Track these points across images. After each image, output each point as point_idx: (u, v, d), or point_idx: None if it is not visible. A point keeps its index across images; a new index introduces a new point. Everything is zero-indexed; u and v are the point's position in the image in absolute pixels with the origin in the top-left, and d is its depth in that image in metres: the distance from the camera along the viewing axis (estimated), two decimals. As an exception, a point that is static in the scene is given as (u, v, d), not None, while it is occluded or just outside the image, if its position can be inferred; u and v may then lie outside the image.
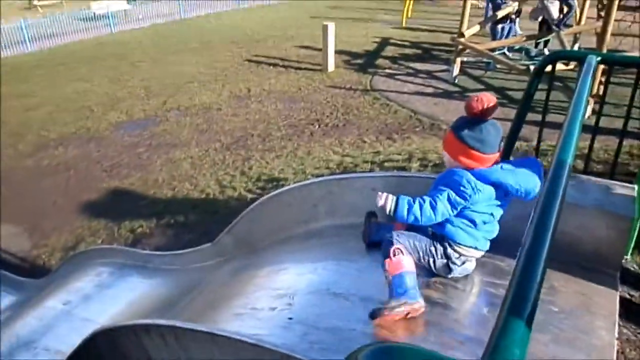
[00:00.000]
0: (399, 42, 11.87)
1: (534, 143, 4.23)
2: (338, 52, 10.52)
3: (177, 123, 8.43)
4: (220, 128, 7.95)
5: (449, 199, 1.87)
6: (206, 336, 1.81)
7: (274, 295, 2.38)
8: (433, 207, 1.88)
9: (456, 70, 8.58)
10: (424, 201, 1.89)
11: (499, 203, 1.95)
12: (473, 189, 1.84)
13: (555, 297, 2.01)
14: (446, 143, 1.96)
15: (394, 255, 1.93)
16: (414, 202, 1.90)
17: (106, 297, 3.63)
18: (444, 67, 9.37)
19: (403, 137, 6.60)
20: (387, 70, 9.76)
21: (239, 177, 6.12)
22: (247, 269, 2.99)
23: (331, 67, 10.07)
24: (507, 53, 8.77)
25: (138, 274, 3.77)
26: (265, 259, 2.99)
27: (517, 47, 8.89)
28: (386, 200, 1.92)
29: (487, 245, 2.04)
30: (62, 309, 3.67)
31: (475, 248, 2.01)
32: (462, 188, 1.85)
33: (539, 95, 3.26)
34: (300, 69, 10.54)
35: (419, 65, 9.80)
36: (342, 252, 2.56)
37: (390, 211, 1.92)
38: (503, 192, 1.92)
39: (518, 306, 0.93)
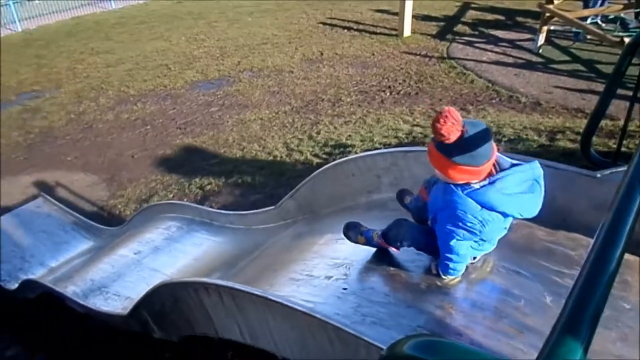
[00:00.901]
0: (481, 7, 11.27)
1: (621, 122, 3.93)
2: (415, 16, 10.16)
3: (250, 84, 8.54)
4: (291, 91, 7.98)
5: (460, 238, 1.84)
6: (261, 300, 1.86)
7: (331, 264, 2.39)
8: (460, 255, 1.91)
9: (541, 39, 8.05)
10: (451, 252, 1.90)
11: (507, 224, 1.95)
12: (481, 222, 1.77)
13: (627, 292, 1.89)
14: (432, 157, 1.80)
15: None
16: (445, 263, 1.96)
17: (174, 250, 3.80)
18: (528, 35, 8.81)
19: (478, 108, 6.34)
20: (466, 37, 9.32)
21: (307, 141, 6.14)
22: (307, 235, 3.03)
23: (407, 32, 9.75)
24: (600, 23, 8.09)
25: (204, 231, 3.91)
26: (326, 227, 3.00)
27: (612, 16, 8.18)
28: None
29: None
30: (132, 258, 3.89)
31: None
32: (469, 225, 1.78)
33: (632, 71, 3.00)
34: (374, 33, 10.29)
35: (500, 33, 9.28)
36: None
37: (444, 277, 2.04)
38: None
39: (585, 300, 0.86)
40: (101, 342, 3.62)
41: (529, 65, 7.60)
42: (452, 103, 6.63)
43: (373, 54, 9.04)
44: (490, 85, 7.06)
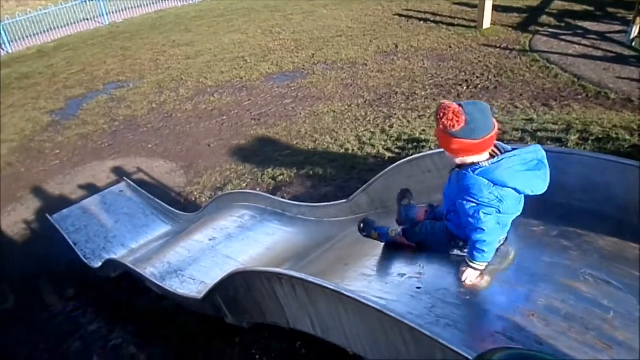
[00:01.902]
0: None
1: None
2: (496, 7, 9.75)
3: (323, 76, 8.56)
4: (364, 84, 7.92)
5: (487, 213, 1.87)
6: (334, 294, 1.85)
7: (404, 261, 2.35)
8: (489, 231, 1.90)
9: (635, 31, 7.48)
10: (481, 230, 1.90)
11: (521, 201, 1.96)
12: (497, 198, 1.84)
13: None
14: (439, 140, 1.93)
15: None
16: (476, 247, 1.94)
17: (247, 239, 3.88)
18: (620, 27, 8.22)
19: (562, 104, 6.00)
20: (551, 29, 8.83)
21: (379, 134, 6.08)
22: (380, 231, 2.99)
23: (487, 23, 9.38)
24: None
25: (277, 221, 3.97)
26: (399, 223, 2.95)
27: None
28: (470, 273, 2.00)
29: None
30: (207, 244, 4.01)
31: None
32: (486, 201, 1.85)
33: None
34: (452, 25, 9.98)
35: (589, 25, 8.72)
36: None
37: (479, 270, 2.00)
38: None
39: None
40: (175, 322, 3.77)
41: (620, 59, 7.09)
42: (534, 98, 6.32)
43: (450, 47, 8.78)
44: (576, 80, 6.66)
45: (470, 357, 1.45)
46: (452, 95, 6.88)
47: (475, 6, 10.05)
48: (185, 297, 3.27)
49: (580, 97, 6.18)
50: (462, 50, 8.52)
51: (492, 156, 1.87)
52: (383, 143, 5.80)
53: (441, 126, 1.82)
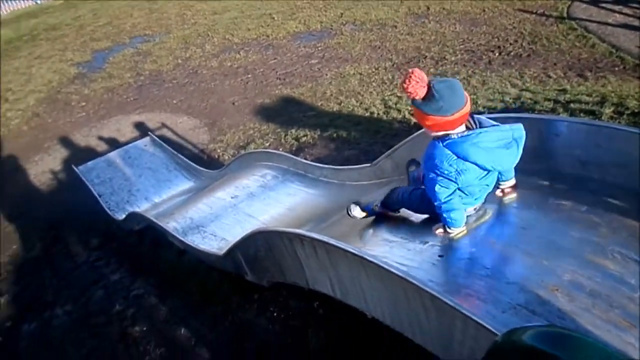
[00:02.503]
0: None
1: None
2: (535, -30, 9.35)
3: (351, 37, 8.38)
4: (393, 46, 7.74)
5: (444, 185, 1.98)
6: (356, 258, 1.84)
7: (427, 229, 2.32)
8: (447, 202, 2.02)
9: (682, 0, 7.12)
10: (439, 200, 2.02)
11: (490, 174, 2.04)
12: (457, 170, 1.92)
13: None
14: (414, 114, 2.03)
15: None
16: (442, 214, 2.06)
17: (268, 198, 3.89)
18: (667, -4, 7.83)
19: (597, 76, 5.78)
20: (591, -4, 8.46)
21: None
22: (403, 197, 2.95)
23: (524, -13, 9.03)
24: None
25: (299, 182, 3.95)
26: (423, 190, 2.91)
27: None
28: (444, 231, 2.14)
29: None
30: (229, 202, 4.03)
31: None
32: (446, 172, 1.94)
33: None
34: (487, -13, 9.63)
35: (633, -8, 8.32)
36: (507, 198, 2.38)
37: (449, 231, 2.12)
38: None
39: None
40: (195, 277, 3.83)
41: (663, 31, 6.77)
42: (568, 68, 6.10)
43: (484, 11, 8.49)
44: (614, 50, 6.39)
45: (491, 328, 1.43)
46: (483, 61, 6.68)
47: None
48: (206, 253, 3.31)
49: (617, 69, 5.94)
50: (496, 15, 8.22)
51: (468, 129, 1.97)
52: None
53: (406, 94, 1.92)
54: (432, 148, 1.98)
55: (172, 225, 3.86)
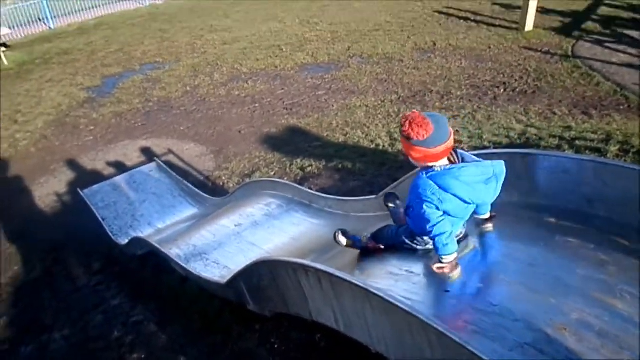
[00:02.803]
0: (616, 4, 10.32)
1: None
2: (539, 10, 9.51)
3: (358, 70, 8.49)
4: (399, 80, 7.83)
5: (434, 214, 2.08)
6: (361, 291, 1.82)
7: (433, 263, 2.30)
8: (439, 224, 2.08)
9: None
10: (430, 227, 2.10)
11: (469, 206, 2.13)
12: (439, 199, 2.05)
13: None
14: (403, 148, 2.15)
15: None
16: (435, 242, 2.12)
17: (272, 227, 3.88)
18: (670, 37, 7.94)
19: (602, 114, 5.82)
20: (595, 36, 8.57)
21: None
22: (408, 230, 2.94)
23: (529, 26, 9.16)
24: None
25: (303, 212, 3.95)
26: (428, 223, 2.90)
27: None
28: (439, 265, 2.15)
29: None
30: (233, 230, 4.02)
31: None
32: (429, 200, 2.06)
33: None
34: (493, 25, 9.79)
35: (637, 34, 8.43)
36: (514, 234, 2.37)
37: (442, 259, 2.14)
38: None
39: None
40: (197, 305, 3.80)
41: (667, 71, 6.84)
42: (573, 106, 6.15)
43: (489, 47, 8.61)
44: (618, 89, 6.45)
45: (498, 367, 1.41)
46: (489, 97, 6.75)
47: (518, 7, 9.83)
48: (208, 281, 3.28)
49: (622, 107, 5.98)
50: (502, 52, 8.34)
51: (451, 162, 2.10)
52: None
53: (406, 135, 2.03)
54: (417, 179, 2.13)
55: (175, 252, 3.84)
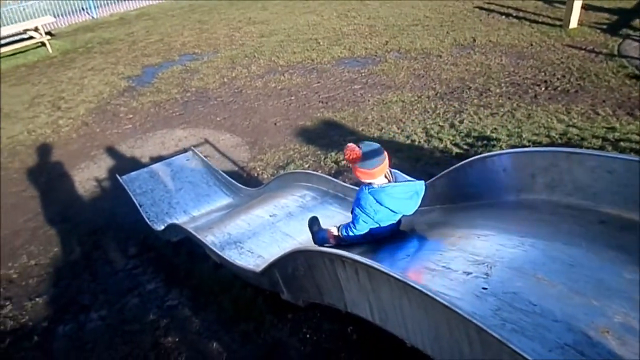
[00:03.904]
0: (666, 2, 9.93)
1: None
2: (585, 6, 9.24)
3: (395, 65, 8.42)
4: (437, 75, 7.73)
5: (364, 220, 2.70)
6: (399, 284, 1.81)
7: (470, 260, 2.28)
8: (358, 229, 2.76)
9: None
10: (353, 227, 2.77)
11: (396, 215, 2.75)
12: (374, 210, 2.64)
13: None
14: (352, 167, 2.71)
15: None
16: (346, 230, 2.82)
17: (307, 219, 3.89)
18: None
19: (647, 115, 5.63)
20: (644, 35, 8.29)
21: (448, 128, 5.93)
22: (443, 226, 2.92)
23: (573, 23, 8.91)
24: None
25: (337, 204, 3.95)
26: (465, 220, 2.87)
27: None
28: (336, 232, 2.92)
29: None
30: (267, 220, 4.05)
31: None
32: (366, 210, 2.65)
33: None
34: (536, 22, 9.55)
35: (688, 33, 8.12)
36: (555, 233, 2.32)
37: (338, 237, 2.92)
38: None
39: None
40: (230, 292, 3.85)
41: None
42: (617, 106, 5.96)
43: (531, 44, 8.41)
44: (667, 91, 6.23)
45: (539, 366, 1.39)
46: (529, 95, 6.60)
47: (562, 3, 9.57)
48: (243, 269, 3.32)
49: (670, 109, 5.77)
50: (544, 49, 8.14)
51: (388, 180, 2.67)
52: (451, 138, 5.66)
53: (346, 159, 2.64)
54: (360, 192, 2.68)
55: (210, 239, 3.90)
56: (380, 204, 2.61)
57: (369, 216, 2.66)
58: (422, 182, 2.72)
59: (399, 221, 2.88)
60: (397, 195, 2.62)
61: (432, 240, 2.75)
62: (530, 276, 2.05)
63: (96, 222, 5.47)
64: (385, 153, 2.64)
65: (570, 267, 2.07)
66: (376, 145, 2.65)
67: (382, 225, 2.76)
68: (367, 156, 2.58)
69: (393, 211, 2.66)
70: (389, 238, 2.85)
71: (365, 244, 2.90)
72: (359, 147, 2.62)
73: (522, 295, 1.96)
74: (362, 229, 2.74)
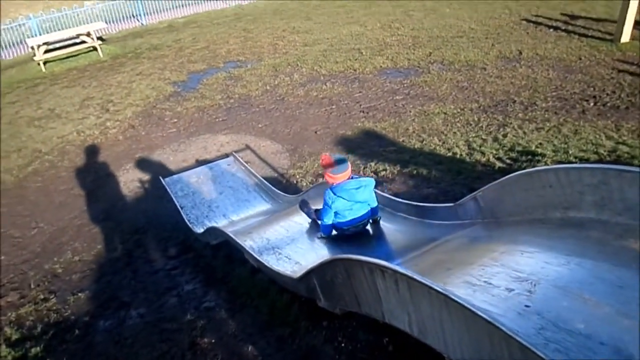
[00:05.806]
0: None
1: None
2: (638, 21, 8.94)
3: (438, 76, 8.36)
4: (480, 88, 7.63)
5: (327, 208, 3.48)
6: (440, 297, 1.79)
7: (513, 276, 2.23)
8: (327, 217, 3.54)
9: None
10: (322, 213, 3.59)
11: (354, 204, 3.45)
12: (332, 201, 3.41)
13: None
14: (323, 173, 3.63)
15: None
16: (320, 215, 3.68)
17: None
18: None
19: None
20: (701, 51, 7.97)
21: (491, 142, 5.83)
22: (486, 240, 2.87)
23: (625, 37, 8.64)
24: None
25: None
26: (509, 236, 2.81)
27: None
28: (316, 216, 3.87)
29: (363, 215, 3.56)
30: (305, 227, 4.05)
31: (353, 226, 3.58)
32: (329, 202, 3.44)
33: None
34: (585, 35, 9.32)
35: None
36: (603, 253, 2.24)
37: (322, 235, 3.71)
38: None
39: None
40: (267, 296, 3.88)
41: None
42: (671, 125, 5.74)
43: (580, 59, 8.21)
44: None
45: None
46: (577, 110, 6.43)
47: (613, 22, 9.30)
48: (281, 274, 3.35)
49: None
50: (594, 64, 7.92)
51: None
52: (494, 152, 5.56)
53: (321, 164, 3.59)
54: (326, 190, 3.47)
55: (248, 244, 3.95)
56: (335, 194, 3.39)
57: (329, 206, 3.43)
58: (371, 178, 3.56)
59: (368, 218, 3.56)
60: (347, 187, 3.38)
61: (474, 254, 2.70)
62: (577, 296, 1.99)
63: (138, 221, 5.62)
64: (349, 163, 3.50)
65: (619, 289, 2.00)
66: (341, 157, 3.56)
67: (347, 218, 3.46)
68: (336, 165, 3.41)
69: (346, 199, 3.38)
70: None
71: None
72: (331, 157, 3.48)
73: (567, 315, 1.90)
74: (326, 215, 3.50)
